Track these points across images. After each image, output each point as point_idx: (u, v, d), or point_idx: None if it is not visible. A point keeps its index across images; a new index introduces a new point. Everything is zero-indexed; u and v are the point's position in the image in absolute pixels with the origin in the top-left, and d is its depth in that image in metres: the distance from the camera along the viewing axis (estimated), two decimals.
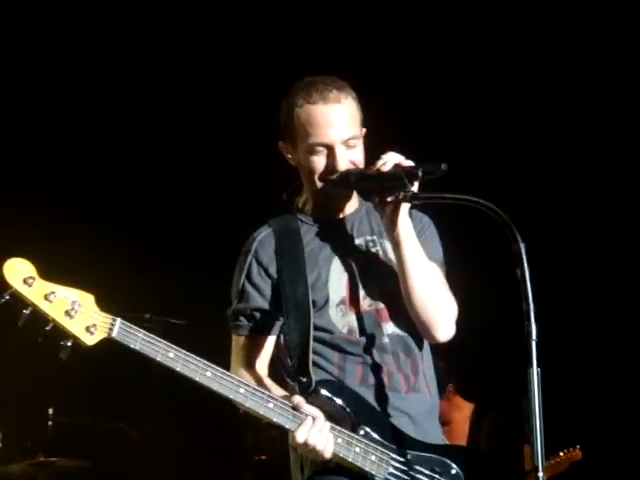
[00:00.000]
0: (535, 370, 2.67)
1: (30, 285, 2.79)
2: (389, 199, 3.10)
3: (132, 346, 2.86)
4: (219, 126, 7.12)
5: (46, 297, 2.80)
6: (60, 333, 2.83)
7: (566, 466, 5.68)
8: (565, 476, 5.69)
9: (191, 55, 6.95)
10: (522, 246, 2.73)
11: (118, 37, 6.83)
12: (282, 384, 3.21)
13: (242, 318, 3.24)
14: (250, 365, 3.20)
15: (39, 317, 2.82)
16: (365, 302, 3.22)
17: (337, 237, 3.29)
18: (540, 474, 2.69)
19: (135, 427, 7.16)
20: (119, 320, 2.86)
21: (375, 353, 3.18)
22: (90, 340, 2.83)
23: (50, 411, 6.82)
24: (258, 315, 3.22)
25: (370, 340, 3.19)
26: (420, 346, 3.28)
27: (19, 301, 2.80)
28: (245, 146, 6.87)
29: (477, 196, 2.90)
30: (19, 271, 2.79)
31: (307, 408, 3.00)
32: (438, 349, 3.37)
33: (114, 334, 2.85)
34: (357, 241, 3.30)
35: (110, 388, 7.12)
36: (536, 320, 2.68)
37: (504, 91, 6.77)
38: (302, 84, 3.27)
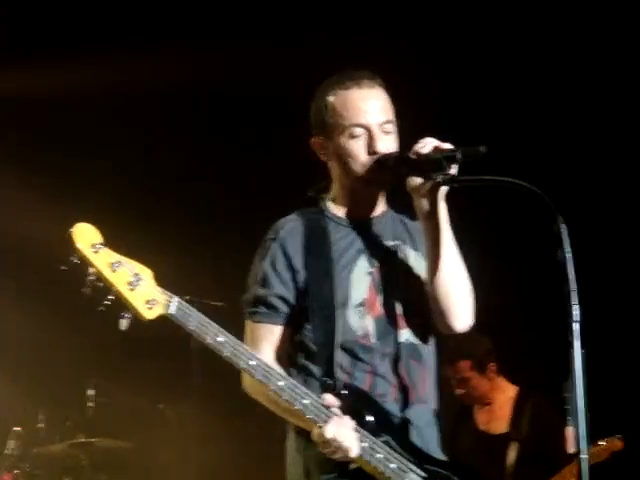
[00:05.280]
0: (577, 352, 2.66)
1: (97, 252, 2.78)
2: (428, 182, 3.09)
3: (187, 325, 2.87)
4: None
5: (111, 265, 2.79)
6: (121, 304, 2.83)
7: (607, 455, 5.62)
8: (606, 466, 5.65)
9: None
10: (563, 227, 2.72)
11: None
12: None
13: (261, 305, 3.20)
14: (264, 354, 3.13)
15: (101, 286, 2.81)
16: (383, 307, 3.21)
17: (363, 238, 3.27)
18: (584, 456, 2.67)
19: (174, 408, 7.19)
20: (176, 298, 2.87)
21: (386, 362, 3.18)
22: (149, 314, 2.83)
23: (90, 392, 6.88)
24: (279, 304, 3.19)
25: (383, 347, 3.18)
26: (430, 355, 3.30)
27: (84, 266, 2.79)
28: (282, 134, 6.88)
29: (515, 178, 2.90)
30: (87, 236, 2.78)
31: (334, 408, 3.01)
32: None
33: (171, 311, 2.85)
34: (382, 244, 3.29)
35: (149, 369, 7.16)
36: (578, 302, 2.67)
37: (538, 73, 6.71)
38: (333, 77, 3.31)
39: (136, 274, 2.82)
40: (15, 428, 6.47)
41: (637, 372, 6.58)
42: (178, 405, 7.11)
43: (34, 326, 7.10)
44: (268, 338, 3.20)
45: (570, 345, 2.67)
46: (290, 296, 3.19)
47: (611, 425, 5.74)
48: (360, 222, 3.30)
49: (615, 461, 5.64)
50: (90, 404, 6.85)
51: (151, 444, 7.20)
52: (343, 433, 2.95)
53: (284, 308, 3.20)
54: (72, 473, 6.76)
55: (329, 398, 3.00)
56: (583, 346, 2.67)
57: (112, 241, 2.84)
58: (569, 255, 2.69)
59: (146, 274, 2.85)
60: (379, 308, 3.21)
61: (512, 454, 5.87)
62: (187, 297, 5.82)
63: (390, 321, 3.21)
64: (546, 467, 5.75)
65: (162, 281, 2.90)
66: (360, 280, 3.21)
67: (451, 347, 5.91)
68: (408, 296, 3.24)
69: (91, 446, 6.68)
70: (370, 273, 3.23)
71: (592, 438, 5.50)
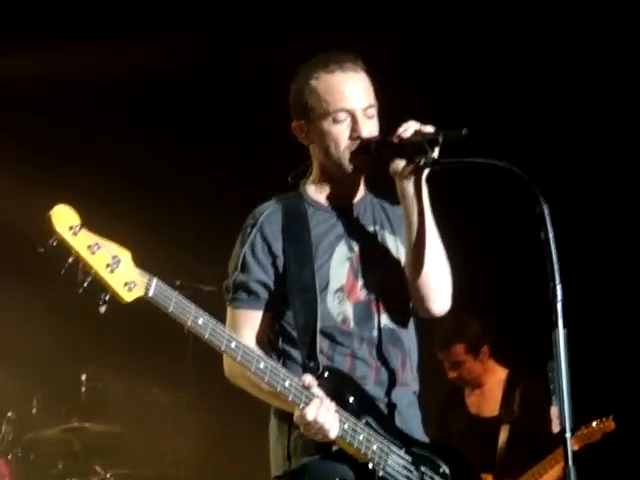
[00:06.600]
0: (561, 331, 2.67)
1: (75, 234, 2.74)
2: (410, 165, 3.09)
3: (166, 307, 2.84)
4: None
5: (89, 248, 2.76)
6: (100, 286, 2.80)
7: (599, 436, 5.65)
8: (598, 446, 5.67)
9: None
10: (545, 207, 2.72)
11: None
12: None
13: (242, 291, 3.20)
14: (246, 340, 3.10)
15: (80, 268, 2.79)
16: (362, 292, 3.22)
17: (343, 223, 3.27)
18: (567, 435, 2.67)
19: (168, 393, 7.20)
20: (155, 280, 2.83)
21: (365, 346, 3.18)
22: (128, 297, 2.79)
23: (83, 377, 6.90)
24: (259, 289, 3.18)
25: (362, 331, 3.19)
26: (409, 339, 3.30)
27: (63, 249, 2.77)
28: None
29: (497, 159, 2.91)
30: (66, 218, 2.75)
31: (315, 389, 3.01)
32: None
33: (150, 293, 2.82)
34: (361, 229, 3.29)
35: (143, 354, 7.17)
36: (561, 281, 2.68)
37: (520, 53, 6.68)
38: (315, 60, 3.28)
39: (115, 256, 2.79)
40: (8, 413, 6.49)
41: (630, 353, 6.59)
42: (172, 390, 7.13)
43: (27, 311, 7.10)
44: (249, 324, 3.20)
45: (554, 324, 2.68)
46: (270, 281, 3.19)
47: (604, 406, 5.77)
48: (340, 207, 3.30)
49: (607, 442, 5.67)
50: (83, 389, 6.87)
51: (145, 429, 7.22)
52: (324, 414, 2.96)
53: (264, 294, 3.19)
54: (65, 457, 6.79)
55: (307, 378, 3.01)
56: (566, 325, 2.67)
57: (94, 224, 2.84)
58: (551, 235, 2.70)
59: (125, 255, 2.82)
60: (358, 293, 3.21)
61: (503, 436, 5.90)
62: (178, 282, 5.96)
63: (369, 306, 3.21)
64: (537, 449, 5.79)
65: (153, 268, 2.89)
66: (339, 265, 3.21)
67: (445, 331, 5.93)
68: (387, 281, 3.24)
69: (84, 431, 6.70)
70: (349, 259, 3.23)
71: (584, 419, 5.56)
